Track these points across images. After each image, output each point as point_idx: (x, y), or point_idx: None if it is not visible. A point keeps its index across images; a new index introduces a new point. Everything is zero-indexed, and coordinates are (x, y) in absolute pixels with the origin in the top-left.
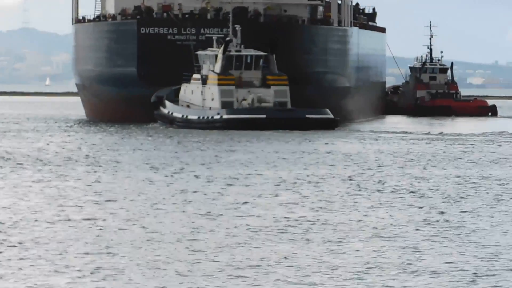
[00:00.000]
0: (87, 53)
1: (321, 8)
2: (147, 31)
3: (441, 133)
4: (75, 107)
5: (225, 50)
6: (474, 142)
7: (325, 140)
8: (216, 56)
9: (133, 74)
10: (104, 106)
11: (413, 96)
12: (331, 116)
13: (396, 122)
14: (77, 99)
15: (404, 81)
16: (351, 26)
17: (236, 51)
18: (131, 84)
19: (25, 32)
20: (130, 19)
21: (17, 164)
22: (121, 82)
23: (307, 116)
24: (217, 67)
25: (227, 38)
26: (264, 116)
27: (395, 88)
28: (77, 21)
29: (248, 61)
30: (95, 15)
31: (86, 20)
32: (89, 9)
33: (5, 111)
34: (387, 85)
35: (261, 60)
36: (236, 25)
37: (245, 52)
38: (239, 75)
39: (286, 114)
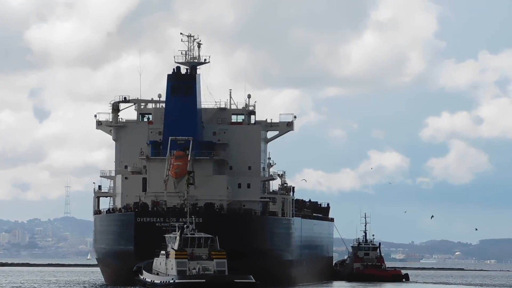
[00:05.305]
0: (101, 235)
1: (272, 204)
2: (141, 220)
3: None
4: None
5: (181, 234)
6: None
7: None
8: (176, 237)
9: (131, 251)
10: (112, 274)
11: (352, 267)
12: (253, 280)
13: (333, 286)
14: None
15: (347, 256)
16: (293, 217)
17: (191, 234)
18: (129, 258)
19: (66, 219)
20: (130, 211)
21: None
22: (122, 257)
23: (235, 280)
24: (176, 245)
25: (184, 225)
26: (204, 280)
27: (342, 262)
28: (96, 212)
29: (201, 241)
30: (108, 208)
31: (101, 212)
32: (105, 204)
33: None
34: (336, 260)
35: (209, 241)
36: (192, 215)
37: (197, 234)
38: (191, 251)
39: (220, 279)
